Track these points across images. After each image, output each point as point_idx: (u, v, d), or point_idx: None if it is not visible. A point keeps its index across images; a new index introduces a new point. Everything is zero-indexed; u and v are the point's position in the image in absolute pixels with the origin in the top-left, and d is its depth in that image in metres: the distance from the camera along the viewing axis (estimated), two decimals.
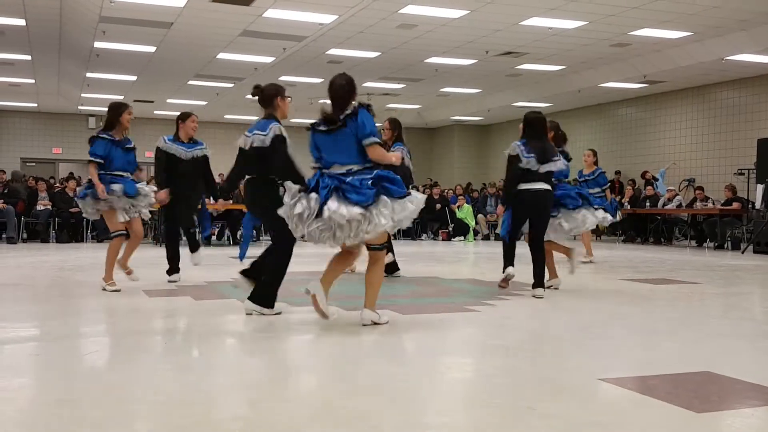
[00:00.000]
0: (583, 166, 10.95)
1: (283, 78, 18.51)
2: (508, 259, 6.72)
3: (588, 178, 10.78)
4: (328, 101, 4.97)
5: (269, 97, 5.44)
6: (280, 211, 4.82)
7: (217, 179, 17.03)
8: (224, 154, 29.81)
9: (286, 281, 7.77)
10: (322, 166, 4.85)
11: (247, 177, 5.48)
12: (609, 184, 10.98)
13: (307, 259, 10.42)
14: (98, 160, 6.64)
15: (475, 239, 17.85)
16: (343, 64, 16.63)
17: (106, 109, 6.95)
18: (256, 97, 5.47)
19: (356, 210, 4.48)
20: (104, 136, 6.73)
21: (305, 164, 5.18)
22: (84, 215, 7.15)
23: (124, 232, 6.78)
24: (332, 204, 4.51)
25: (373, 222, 4.53)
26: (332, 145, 4.81)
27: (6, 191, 15.16)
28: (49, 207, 15.17)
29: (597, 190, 10.69)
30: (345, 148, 4.77)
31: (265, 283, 5.40)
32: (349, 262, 5.18)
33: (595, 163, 10.83)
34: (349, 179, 4.62)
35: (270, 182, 5.31)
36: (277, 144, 5.26)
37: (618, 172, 20.24)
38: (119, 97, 21.51)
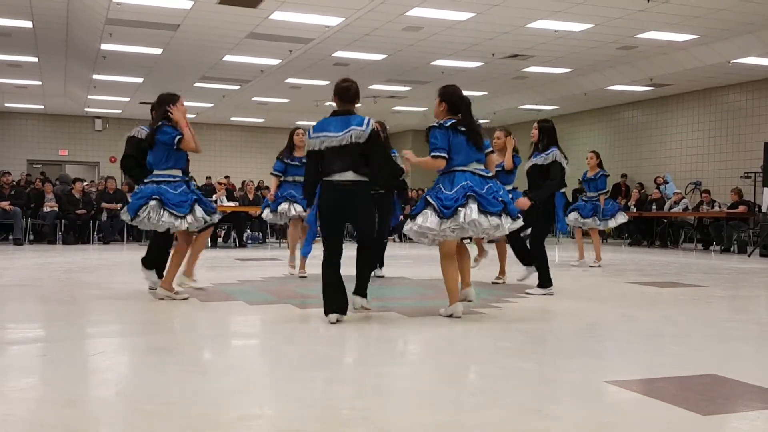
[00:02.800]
0: (587, 169, 10.94)
1: (289, 80, 18.55)
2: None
3: (591, 180, 10.79)
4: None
5: (356, 93, 5.36)
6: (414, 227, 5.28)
7: (223, 181, 17.17)
8: (230, 156, 29.87)
9: (291, 282, 7.80)
10: (453, 162, 5.34)
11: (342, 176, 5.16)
12: (607, 190, 10.92)
13: (313, 261, 10.43)
14: (180, 136, 6.10)
15: None
16: (349, 66, 16.65)
17: (156, 101, 6.43)
18: (344, 89, 5.28)
19: (494, 221, 5.21)
20: (170, 125, 6.19)
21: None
22: (143, 227, 6.37)
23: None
24: (470, 212, 5.14)
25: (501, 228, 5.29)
26: (467, 147, 5.33)
27: (13, 193, 15.21)
28: (56, 208, 15.22)
29: (595, 194, 10.69)
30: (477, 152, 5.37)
31: (366, 278, 5.39)
32: (455, 264, 5.52)
33: (599, 165, 10.81)
34: (485, 191, 5.26)
35: (368, 180, 5.27)
36: (376, 138, 5.25)
37: (624, 175, 20.22)
38: (125, 100, 21.61)
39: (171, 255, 6.37)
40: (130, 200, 6.30)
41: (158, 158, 6.17)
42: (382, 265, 8.41)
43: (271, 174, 8.57)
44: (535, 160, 7.03)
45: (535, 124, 7.29)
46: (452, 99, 5.46)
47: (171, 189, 6.12)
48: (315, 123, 5.34)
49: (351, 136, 5.11)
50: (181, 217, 6.07)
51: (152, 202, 6.01)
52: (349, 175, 5.12)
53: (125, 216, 6.22)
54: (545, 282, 6.92)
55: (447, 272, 5.45)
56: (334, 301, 5.12)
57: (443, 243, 5.42)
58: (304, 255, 5.86)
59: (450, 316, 5.43)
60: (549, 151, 7.00)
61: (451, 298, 5.46)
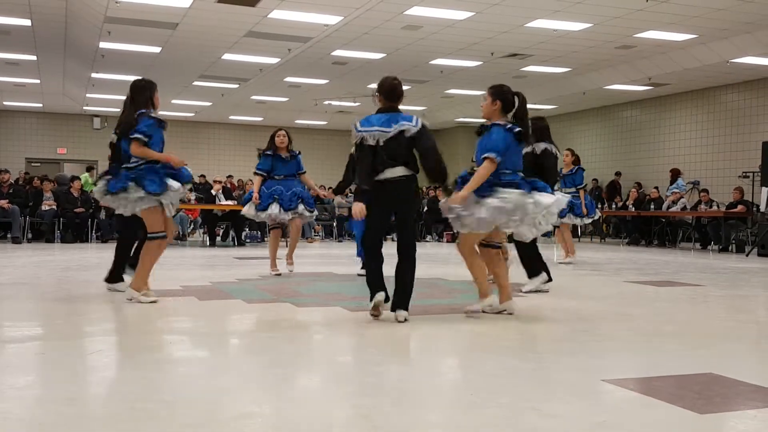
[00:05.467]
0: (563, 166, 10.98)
1: (288, 79, 18.54)
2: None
3: (567, 176, 10.81)
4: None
5: (402, 93, 5.27)
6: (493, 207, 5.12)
7: (219, 178, 17.14)
8: (229, 154, 29.82)
9: (289, 281, 7.81)
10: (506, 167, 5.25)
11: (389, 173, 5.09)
12: (585, 184, 10.97)
13: (311, 260, 10.43)
14: (143, 137, 5.83)
15: None
16: (348, 65, 16.65)
17: (131, 90, 6.09)
18: (392, 87, 5.21)
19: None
20: (149, 113, 5.95)
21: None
22: (118, 211, 6.10)
23: (165, 234, 6.05)
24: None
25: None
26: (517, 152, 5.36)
27: (11, 191, 15.20)
28: (54, 207, 15.21)
29: (573, 189, 10.71)
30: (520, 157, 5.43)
31: (410, 289, 5.20)
32: (478, 256, 5.48)
33: (575, 162, 10.85)
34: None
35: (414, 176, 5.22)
36: (427, 134, 5.19)
37: (618, 173, 20.25)
38: (124, 98, 21.55)
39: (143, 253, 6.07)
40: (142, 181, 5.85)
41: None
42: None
43: (255, 173, 8.33)
44: (526, 149, 7.10)
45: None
46: (508, 98, 5.37)
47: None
48: (321, 123, 5.25)
49: (401, 131, 5.07)
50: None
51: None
52: (399, 171, 5.08)
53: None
54: (542, 273, 7.01)
55: (471, 267, 5.42)
56: (379, 287, 5.15)
57: (462, 241, 5.41)
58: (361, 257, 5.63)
59: (479, 312, 5.42)
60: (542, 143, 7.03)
61: (481, 292, 5.44)
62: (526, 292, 6.94)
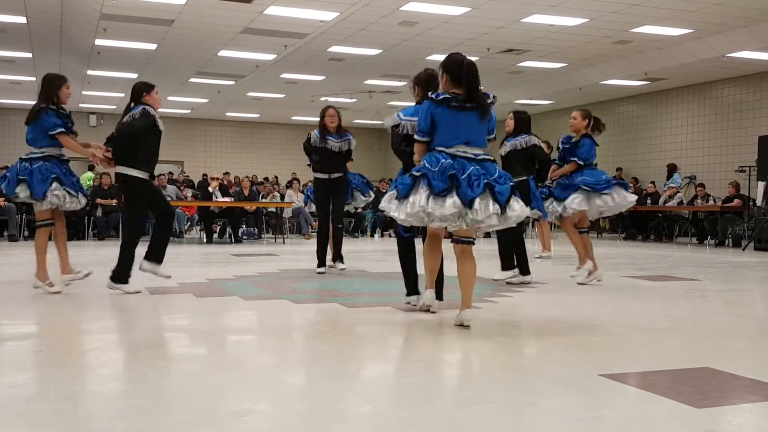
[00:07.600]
0: None
1: (285, 75, 18.52)
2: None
3: None
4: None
5: (434, 79, 5.26)
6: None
7: (216, 175, 17.12)
8: (226, 151, 29.75)
9: (287, 278, 7.80)
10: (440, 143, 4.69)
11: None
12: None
13: (309, 256, 10.43)
14: (60, 129, 6.15)
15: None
16: (344, 61, 16.64)
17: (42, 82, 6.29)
18: (432, 79, 5.27)
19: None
20: (53, 107, 6.17)
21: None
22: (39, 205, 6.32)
23: (51, 221, 6.41)
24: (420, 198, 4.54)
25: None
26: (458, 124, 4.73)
27: None
28: None
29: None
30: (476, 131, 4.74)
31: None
32: (438, 249, 5.24)
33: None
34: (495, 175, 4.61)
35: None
36: None
37: (619, 169, 20.25)
38: (120, 95, 21.55)
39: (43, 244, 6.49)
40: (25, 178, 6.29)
41: (36, 136, 6.30)
42: (341, 259, 8.40)
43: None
44: (514, 141, 7.17)
45: (511, 114, 7.38)
46: (452, 66, 4.88)
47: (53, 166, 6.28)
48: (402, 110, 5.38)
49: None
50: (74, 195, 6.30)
51: (55, 184, 6.16)
52: None
53: (24, 193, 6.27)
54: (523, 269, 7.25)
55: (424, 258, 5.22)
56: (415, 290, 5.50)
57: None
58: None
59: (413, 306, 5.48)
60: (525, 135, 7.18)
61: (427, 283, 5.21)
62: (495, 280, 7.34)
